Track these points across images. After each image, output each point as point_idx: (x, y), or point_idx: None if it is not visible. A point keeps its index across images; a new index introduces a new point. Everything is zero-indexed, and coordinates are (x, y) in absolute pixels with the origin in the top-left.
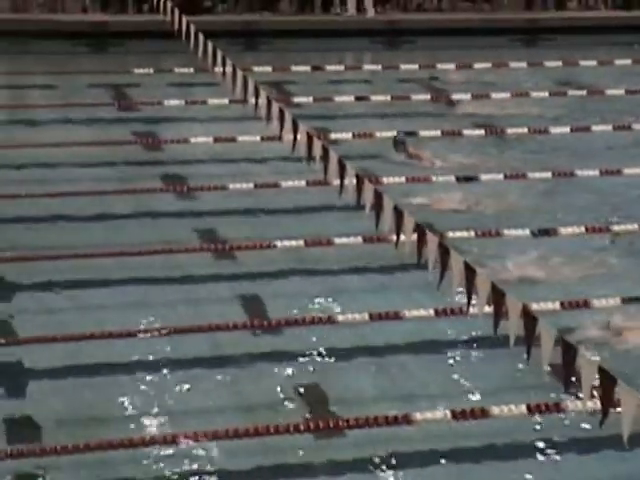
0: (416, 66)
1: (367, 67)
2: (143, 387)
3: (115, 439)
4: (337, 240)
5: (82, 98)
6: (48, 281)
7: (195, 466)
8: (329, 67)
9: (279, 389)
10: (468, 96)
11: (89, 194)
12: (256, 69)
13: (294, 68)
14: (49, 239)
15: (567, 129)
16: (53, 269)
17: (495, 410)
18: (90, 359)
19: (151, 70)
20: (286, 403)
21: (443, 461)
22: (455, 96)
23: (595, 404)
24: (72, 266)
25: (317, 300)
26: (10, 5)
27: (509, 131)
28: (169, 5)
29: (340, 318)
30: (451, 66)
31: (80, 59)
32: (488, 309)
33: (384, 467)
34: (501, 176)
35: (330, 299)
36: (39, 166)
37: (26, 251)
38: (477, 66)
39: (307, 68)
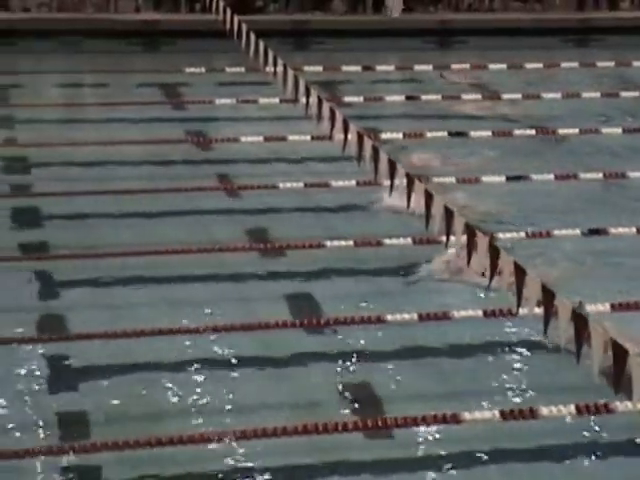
0: (467, 66)
1: (418, 67)
2: (193, 385)
3: (165, 436)
4: (387, 241)
5: (133, 97)
6: (99, 278)
7: (244, 464)
8: (380, 67)
9: (328, 388)
10: (519, 96)
11: (140, 192)
12: (307, 69)
13: (345, 68)
14: (100, 237)
15: (619, 130)
16: (104, 266)
17: (544, 411)
18: (141, 356)
19: (202, 69)
20: (335, 402)
21: (492, 461)
22: (505, 96)
23: None
24: (123, 264)
25: (366, 300)
26: (62, 4)
27: (560, 132)
28: (221, 4)
29: (389, 318)
30: (502, 66)
31: (132, 58)
32: (538, 310)
33: (433, 467)
34: (551, 176)
35: (379, 299)
36: (90, 164)
37: (78, 248)
38: (528, 66)
39: (358, 68)
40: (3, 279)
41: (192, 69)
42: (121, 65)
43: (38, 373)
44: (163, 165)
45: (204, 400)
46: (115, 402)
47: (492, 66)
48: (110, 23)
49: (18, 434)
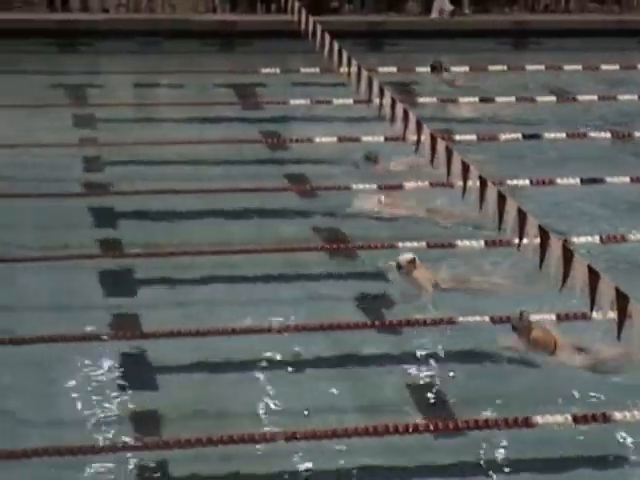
0: (542, 67)
1: (492, 68)
2: (265, 383)
3: (236, 434)
4: (459, 242)
5: (209, 97)
6: (173, 276)
7: (314, 464)
8: (454, 68)
9: (399, 388)
10: (594, 97)
11: (214, 192)
12: (381, 69)
13: (419, 69)
14: (175, 235)
15: None
16: (180, 264)
17: (617, 415)
18: (215, 354)
19: (277, 70)
20: (405, 403)
21: (563, 465)
22: (581, 98)
23: None
24: (198, 262)
25: (437, 302)
26: (136, 5)
27: (637, 134)
28: (296, 5)
29: (460, 320)
30: (578, 67)
31: (208, 58)
32: (611, 314)
33: (503, 469)
34: (627, 179)
35: (450, 301)
36: (166, 164)
37: (153, 247)
38: (604, 67)
39: None
40: (79, 277)
41: (267, 70)
42: (197, 65)
43: (112, 370)
44: (237, 165)
45: (274, 399)
46: (186, 399)
47: (567, 67)
48: (187, 24)
49: (91, 429)
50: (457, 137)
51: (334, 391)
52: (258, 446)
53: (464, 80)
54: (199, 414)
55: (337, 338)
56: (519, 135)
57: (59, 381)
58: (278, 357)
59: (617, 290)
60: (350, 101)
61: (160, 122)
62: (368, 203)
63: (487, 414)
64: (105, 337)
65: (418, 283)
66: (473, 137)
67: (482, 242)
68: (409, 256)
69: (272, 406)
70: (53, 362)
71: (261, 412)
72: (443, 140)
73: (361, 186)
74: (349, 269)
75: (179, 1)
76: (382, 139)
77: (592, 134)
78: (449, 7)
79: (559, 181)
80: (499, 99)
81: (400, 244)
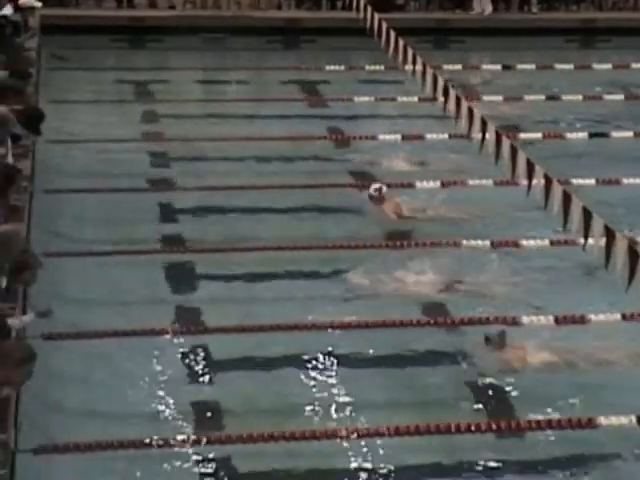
0: (610, 66)
1: (559, 66)
2: (323, 380)
3: (297, 430)
4: (524, 242)
5: (274, 94)
6: (237, 272)
7: (374, 461)
8: (520, 66)
9: (459, 387)
10: None
11: (277, 188)
12: (446, 67)
13: (484, 67)
14: (238, 231)
15: None
16: (242, 261)
17: None
18: (274, 351)
19: (342, 67)
20: (466, 401)
21: (627, 466)
22: None
23: None
24: (260, 258)
25: (500, 301)
26: (203, 2)
27: None
28: (362, 2)
29: (525, 320)
30: None
31: (273, 55)
32: None
33: (565, 470)
34: None
35: (514, 300)
36: (229, 160)
37: (216, 243)
38: None
39: (498, 67)
40: (144, 271)
41: (332, 67)
42: (263, 62)
43: (174, 364)
44: (301, 162)
45: (333, 396)
46: (248, 395)
47: (635, 65)
48: (252, 21)
49: (155, 423)
50: (522, 135)
51: (394, 389)
52: (321, 442)
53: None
54: (260, 410)
55: (397, 336)
56: (585, 134)
57: (124, 375)
58: (338, 354)
59: None
60: (415, 99)
61: (225, 118)
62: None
63: (551, 414)
64: (168, 332)
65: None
66: (538, 135)
67: (547, 241)
68: (377, 185)
69: (333, 403)
70: (118, 356)
71: (323, 409)
72: (508, 138)
73: (425, 183)
74: (412, 267)
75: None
76: (446, 137)
77: None
78: (489, 9)
79: (625, 181)
80: (566, 97)
81: (464, 242)
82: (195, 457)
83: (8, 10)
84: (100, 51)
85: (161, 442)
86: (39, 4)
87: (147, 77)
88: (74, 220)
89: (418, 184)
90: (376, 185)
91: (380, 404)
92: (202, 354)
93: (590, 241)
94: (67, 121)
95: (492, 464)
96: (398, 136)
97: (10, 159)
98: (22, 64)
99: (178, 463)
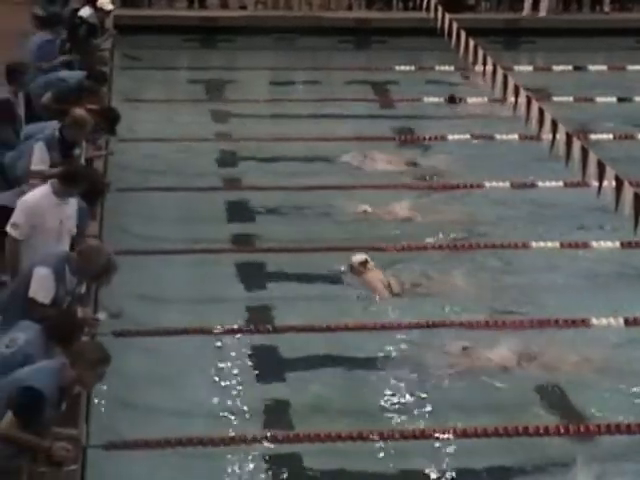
0: None
1: (631, 67)
2: (397, 380)
3: (365, 430)
4: (594, 243)
5: (343, 94)
6: (307, 271)
7: (445, 463)
8: (592, 67)
9: (528, 391)
10: None
11: (344, 188)
12: (517, 68)
13: (555, 67)
14: (308, 231)
15: None
16: (312, 260)
17: None
18: (346, 350)
19: (412, 67)
20: (536, 405)
21: None
22: None
23: None
24: (329, 258)
25: (569, 303)
26: (274, 2)
27: None
28: (432, 2)
29: (594, 322)
30: None
31: (343, 55)
32: None
33: (635, 476)
34: None
35: (583, 302)
36: (299, 160)
37: (286, 242)
38: None
39: (569, 67)
40: (214, 270)
41: (402, 67)
42: (332, 62)
43: (245, 363)
44: (369, 162)
45: (402, 396)
46: (319, 394)
47: None
48: (323, 21)
49: (224, 421)
50: (593, 136)
51: (467, 391)
52: (393, 443)
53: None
54: (331, 409)
55: (466, 337)
56: None
57: (195, 372)
58: (412, 354)
59: None
60: (484, 99)
61: (294, 118)
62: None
63: (620, 419)
64: (239, 330)
65: (370, 285)
66: (609, 136)
67: (617, 243)
68: (361, 257)
69: (407, 404)
70: (187, 354)
71: (394, 410)
72: (578, 139)
73: (494, 184)
74: (480, 268)
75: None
76: (516, 137)
77: None
78: (543, 14)
79: None
80: (637, 98)
81: (533, 243)
82: (262, 455)
83: (86, 12)
84: (172, 51)
85: (228, 440)
86: (111, 7)
87: (218, 77)
88: (144, 218)
89: (487, 184)
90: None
91: (454, 405)
92: (272, 352)
93: None
94: (139, 120)
95: (562, 467)
96: (467, 136)
97: (83, 161)
98: (98, 66)
99: (245, 461)
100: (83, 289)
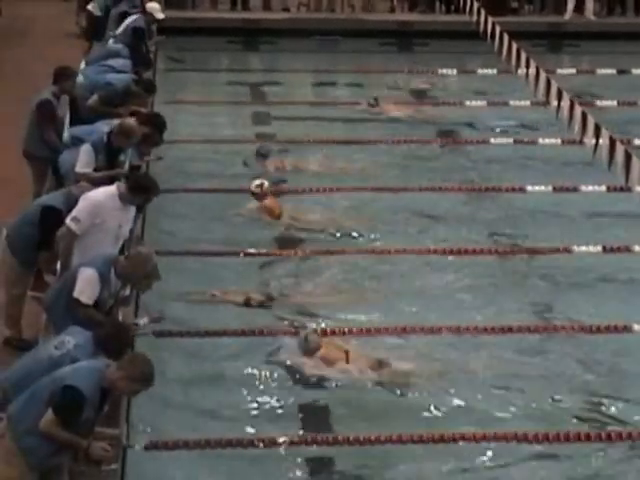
0: None
1: None
2: (435, 382)
3: (405, 434)
4: (637, 248)
5: (385, 97)
6: (343, 270)
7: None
8: (635, 70)
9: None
10: None
11: (387, 190)
12: (560, 71)
13: (599, 71)
14: (348, 232)
15: None
16: (347, 260)
17: None
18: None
19: (454, 71)
20: None
21: None
22: None
23: None
24: (365, 259)
25: (608, 310)
26: (317, 4)
27: None
28: (475, 5)
29: (636, 328)
30: None
31: (385, 58)
32: None
33: None
34: None
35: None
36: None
37: (324, 244)
38: None
39: (612, 71)
40: (254, 271)
41: (444, 70)
42: (374, 65)
43: (282, 364)
44: (411, 165)
45: (444, 399)
46: (355, 397)
47: None
48: (366, 23)
49: (264, 423)
50: (637, 141)
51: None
52: (442, 446)
53: None
54: (367, 412)
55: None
56: None
57: (236, 374)
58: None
59: None
60: (527, 103)
61: (335, 121)
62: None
63: None
64: (281, 331)
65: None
66: None
67: None
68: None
69: (450, 405)
70: (225, 355)
71: (431, 410)
72: (622, 144)
73: (537, 188)
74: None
75: (358, 1)
76: (559, 142)
77: None
78: (589, 17)
79: None
80: None
81: (575, 248)
82: (301, 458)
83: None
84: (215, 53)
85: (268, 441)
86: (161, 16)
87: (260, 79)
88: (186, 219)
89: (529, 188)
90: (257, 181)
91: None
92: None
93: None
94: (180, 122)
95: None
96: (510, 140)
97: (127, 166)
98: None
99: (284, 463)
100: (127, 291)
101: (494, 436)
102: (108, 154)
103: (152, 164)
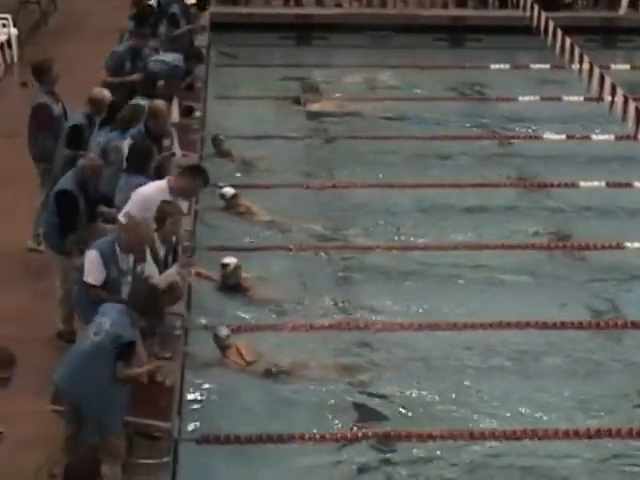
0: None
1: None
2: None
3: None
4: None
5: (437, 93)
6: (399, 271)
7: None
8: None
9: None
10: None
11: (440, 187)
12: (613, 67)
13: None
14: (400, 229)
15: None
16: (405, 259)
17: None
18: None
19: (507, 66)
20: None
21: None
22: None
23: None
24: (419, 257)
25: None
26: (368, 0)
27: None
28: (529, 1)
29: None
30: None
31: (437, 54)
32: None
33: None
34: None
35: None
36: (392, 158)
37: (379, 240)
38: None
39: None
40: (303, 267)
41: (497, 65)
42: (426, 61)
43: (337, 358)
44: (464, 161)
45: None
46: (418, 395)
47: None
48: (418, 19)
49: (318, 419)
50: None
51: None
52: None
53: None
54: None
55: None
56: None
57: None
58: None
59: None
60: (580, 98)
61: (387, 117)
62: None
63: None
64: (337, 325)
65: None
66: None
67: None
68: (232, 191)
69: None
70: (282, 347)
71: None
72: None
73: (589, 183)
74: (577, 269)
75: None
76: (612, 138)
77: None
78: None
79: None
80: None
81: (629, 244)
82: (353, 454)
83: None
84: (267, 48)
85: (320, 438)
86: (192, 0)
87: (312, 74)
88: (235, 215)
89: (582, 184)
90: (231, 190)
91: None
92: (366, 349)
93: None
94: (232, 117)
95: None
96: (563, 136)
97: (178, 151)
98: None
99: (335, 458)
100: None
101: None
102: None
103: (204, 159)
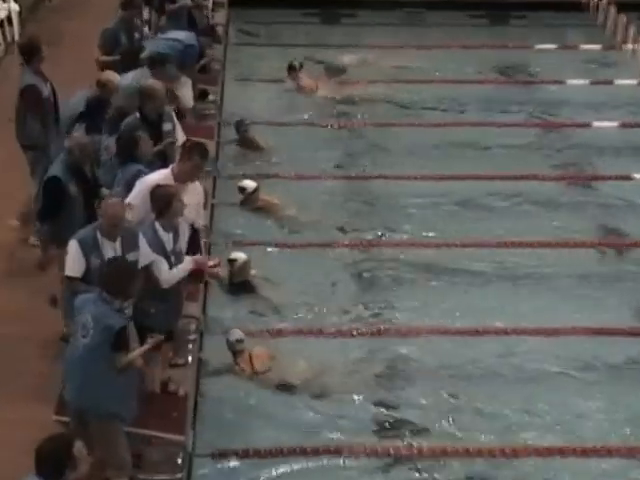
0: None
1: None
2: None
3: (495, 446)
4: None
5: (476, 75)
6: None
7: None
8: None
9: None
10: None
11: (477, 178)
12: None
13: None
14: (426, 223)
15: None
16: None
17: None
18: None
19: (554, 46)
20: None
21: None
22: None
23: None
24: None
25: None
26: None
27: None
28: None
29: None
30: None
31: (477, 32)
32: None
33: None
34: None
35: None
36: (422, 145)
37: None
38: None
39: None
40: (328, 267)
41: (542, 45)
42: (464, 40)
43: (358, 367)
44: (503, 150)
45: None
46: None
47: None
48: None
49: (344, 431)
50: None
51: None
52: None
53: None
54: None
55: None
56: None
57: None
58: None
59: None
60: (634, 82)
61: (419, 101)
62: None
63: None
64: (358, 332)
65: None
66: None
67: None
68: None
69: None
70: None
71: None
72: None
73: (638, 176)
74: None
75: None
76: None
77: None
78: None
79: None
80: None
81: None
82: (370, 465)
83: None
84: (290, 26)
85: (342, 449)
86: None
87: (339, 55)
88: (255, 209)
89: (636, 176)
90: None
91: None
92: (389, 358)
93: None
94: (251, 99)
95: None
96: (615, 124)
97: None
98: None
99: (353, 472)
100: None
101: None
102: (149, 128)
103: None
